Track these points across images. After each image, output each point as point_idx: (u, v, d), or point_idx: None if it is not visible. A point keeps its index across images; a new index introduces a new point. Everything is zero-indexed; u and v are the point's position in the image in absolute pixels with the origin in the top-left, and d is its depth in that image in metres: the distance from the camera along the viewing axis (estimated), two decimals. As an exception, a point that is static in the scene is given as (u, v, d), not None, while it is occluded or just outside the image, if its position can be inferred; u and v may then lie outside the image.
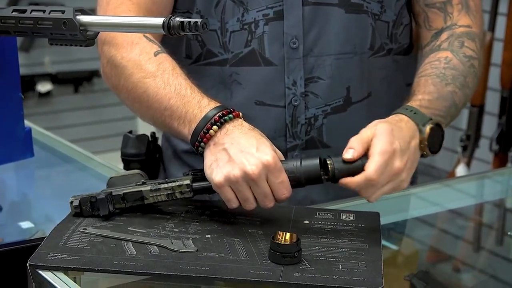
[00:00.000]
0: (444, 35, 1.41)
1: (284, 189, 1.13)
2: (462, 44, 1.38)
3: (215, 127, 1.17)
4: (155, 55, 1.30)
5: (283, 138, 1.40)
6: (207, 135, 1.17)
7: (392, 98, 1.47)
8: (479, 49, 1.40)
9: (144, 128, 1.64)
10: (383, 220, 1.24)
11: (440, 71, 1.33)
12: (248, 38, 1.38)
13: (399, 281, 1.28)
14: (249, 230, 1.16)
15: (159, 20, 1.05)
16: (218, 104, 1.21)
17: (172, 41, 1.43)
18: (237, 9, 1.38)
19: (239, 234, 1.15)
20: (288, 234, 1.07)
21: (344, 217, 1.23)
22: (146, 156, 1.53)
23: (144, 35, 1.33)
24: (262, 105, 1.40)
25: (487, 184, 1.68)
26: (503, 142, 2.86)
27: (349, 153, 1.16)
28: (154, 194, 1.19)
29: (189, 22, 1.03)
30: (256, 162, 1.12)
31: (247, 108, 1.37)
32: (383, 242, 1.18)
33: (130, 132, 1.56)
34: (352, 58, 1.40)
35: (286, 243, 1.06)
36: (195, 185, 1.19)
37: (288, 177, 1.14)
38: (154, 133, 1.55)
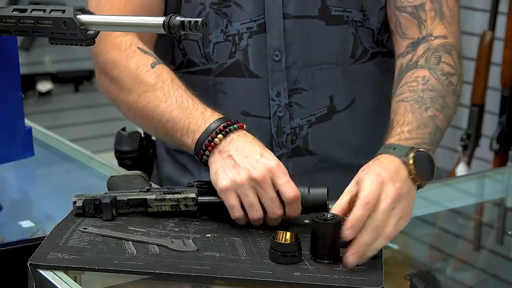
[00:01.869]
0: (420, 49, 1.35)
1: (290, 188, 1.13)
2: (439, 60, 1.33)
3: (220, 135, 1.18)
4: (152, 66, 1.31)
5: (270, 148, 1.39)
6: (212, 143, 1.18)
7: (377, 101, 1.47)
8: (457, 62, 1.34)
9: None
10: (384, 220, 1.24)
11: (418, 94, 1.27)
12: (232, 49, 1.39)
13: (399, 281, 1.28)
14: (250, 230, 1.16)
15: (160, 20, 1.05)
16: (222, 116, 1.22)
17: (162, 43, 1.43)
18: (221, 20, 1.39)
19: (240, 234, 1.15)
20: (288, 234, 1.07)
21: (344, 217, 1.23)
22: (138, 152, 1.55)
23: (138, 47, 1.33)
24: (248, 115, 1.41)
25: (488, 183, 1.68)
26: (503, 141, 2.85)
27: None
28: (159, 204, 1.19)
29: (190, 21, 1.03)
30: (261, 167, 1.14)
31: (233, 118, 1.38)
32: (384, 242, 1.17)
33: (124, 129, 1.57)
34: (334, 68, 1.41)
35: (286, 242, 1.06)
36: (201, 199, 1.19)
37: None
38: None
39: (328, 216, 1.07)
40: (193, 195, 1.19)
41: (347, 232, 1.06)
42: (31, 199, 1.52)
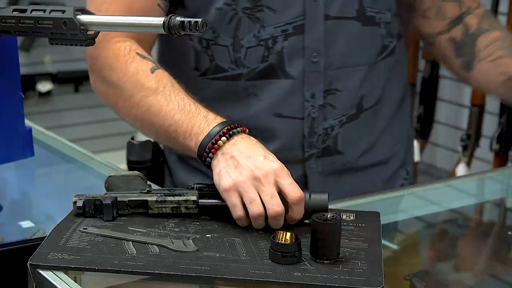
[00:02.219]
0: (471, 19, 1.48)
1: (295, 189, 1.14)
2: (496, 22, 1.51)
3: (223, 138, 1.19)
4: (152, 71, 1.31)
5: (301, 148, 1.42)
6: (215, 146, 1.19)
7: (395, 93, 1.50)
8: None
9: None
10: (384, 220, 1.24)
11: (510, 48, 1.44)
12: (265, 54, 1.39)
13: (399, 281, 1.28)
14: (250, 230, 1.16)
15: (160, 20, 1.05)
16: (225, 120, 1.23)
17: (178, 49, 1.44)
18: (253, 25, 1.38)
19: (240, 234, 1.15)
20: (288, 234, 1.07)
21: (344, 216, 1.23)
22: (152, 162, 1.55)
23: (136, 53, 1.33)
24: (280, 117, 1.42)
25: (488, 183, 1.68)
26: (503, 142, 2.85)
27: None
28: (159, 206, 1.19)
29: (190, 21, 1.03)
30: (264, 167, 1.14)
31: (265, 119, 1.41)
32: (384, 242, 1.17)
33: (133, 138, 1.57)
34: (366, 68, 1.44)
35: (286, 242, 1.06)
36: (201, 202, 1.19)
37: None
38: None
39: (328, 216, 1.07)
40: (194, 198, 1.19)
41: None
42: (31, 199, 1.52)
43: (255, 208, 1.13)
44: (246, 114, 1.40)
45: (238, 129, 1.20)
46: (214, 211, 1.19)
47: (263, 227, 1.16)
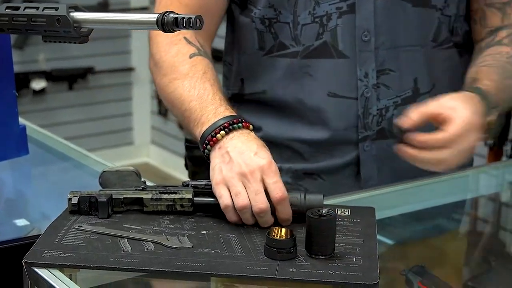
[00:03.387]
0: (503, 33, 1.44)
1: (278, 189, 1.14)
2: None
3: (222, 132, 1.20)
4: (190, 57, 1.36)
5: (355, 129, 1.43)
6: (214, 138, 1.21)
7: (453, 90, 1.49)
8: None
9: (141, 125, 1.65)
10: (379, 215, 1.24)
11: (502, 64, 1.36)
12: (320, 31, 1.41)
13: (394, 276, 1.29)
14: (245, 226, 1.16)
15: (153, 16, 1.05)
16: (234, 114, 1.24)
17: (242, 34, 1.48)
18: (309, 2, 1.41)
19: (235, 230, 1.15)
20: (283, 230, 1.07)
21: (339, 212, 1.23)
22: None
23: (184, 37, 1.39)
24: (335, 96, 1.43)
25: (483, 178, 1.68)
26: (498, 137, 2.86)
27: (401, 120, 1.19)
28: (155, 203, 1.19)
29: (183, 18, 1.03)
30: (251, 163, 1.15)
31: (319, 99, 1.43)
32: (379, 237, 1.18)
33: None
34: (419, 51, 1.44)
35: (281, 238, 1.06)
36: (197, 199, 1.19)
37: (291, 209, 1.16)
38: None
39: (324, 212, 1.07)
40: (189, 196, 1.19)
41: (419, 138, 1.17)
42: (26, 197, 1.52)
43: (240, 200, 1.14)
44: (301, 94, 1.43)
45: (240, 124, 1.22)
46: (209, 209, 1.19)
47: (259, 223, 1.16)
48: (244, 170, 1.14)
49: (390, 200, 1.46)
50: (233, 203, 1.15)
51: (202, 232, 1.14)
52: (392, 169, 1.45)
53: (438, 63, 1.48)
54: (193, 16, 1.03)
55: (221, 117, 1.23)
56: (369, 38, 1.41)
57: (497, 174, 1.75)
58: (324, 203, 1.18)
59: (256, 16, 1.45)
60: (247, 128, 1.22)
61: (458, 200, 1.60)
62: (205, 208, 1.20)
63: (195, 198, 1.19)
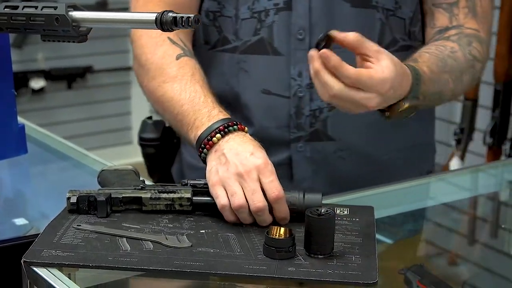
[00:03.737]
0: (452, 31, 1.41)
1: (274, 188, 1.14)
2: (470, 43, 1.39)
3: (218, 135, 1.21)
4: (177, 58, 1.35)
5: (287, 129, 1.42)
6: (210, 142, 1.21)
7: None
8: (484, 54, 1.40)
9: (139, 124, 1.65)
10: (378, 214, 1.24)
11: (444, 56, 1.33)
12: (257, 26, 1.41)
13: (393, 275, 1.29)
14: (244, 225, 1.16)
15: (152, 16, 1.05)
16: (227, 116, 1.24)
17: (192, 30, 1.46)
18: None
19: (234, 229, 1.15)
20: (282, 229, 1.07)
21: (338, 211, 1.23)
22: (161, 141, 1.58)
23: (168, 37, 1.38)
24: (268, 94, 1.42)
25: (481, 177, 1.68)
26: (496, 135, 2.86)
27: (335, 32, 1.15)
28: (153, 203, 1.19)
29: (182, 17, 1.03)
30: (247, 163, 1.15)
31: (253, 96, 1.41)
32: (378, 236, 1.18)
33: (150, 118, 1.62)
34: None
35: (280, 237, 1.06)
36: (195, 199, 1.20)
37: (290, 208, 1.16)
38: None
39: (322, 211, 1.07)
40: (188, 195, 1.19)
41: (334, 60, 1.12)
42: (25, 196, 1.52)
43: (236, 200, 1.14)
44: (237, 91, 1.42)
45: (235, 126, 1.22)
46: (208, 208, 1.19)
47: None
48: (241, 170, 1.15)
49: (389, 199, 1.46)
50: (230, 203, 1.15)
51: (201, 231, 1.14)
52: (329, 173, 1.44)
53: None
54: (191, 15, 1.04)
55: (216, 120, 1.23)
56: (304, 36, 1.39)
57: (496, 173, 1.75)
58: (323, 202, 1.18)
59: (202, 9, 1.45)
60: (242, 130, 1.22)
61: (457, 199, 1.61)
62: (204, 207, 1.20)
63: (194, 197, 1.19)
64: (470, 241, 1.57)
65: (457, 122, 3.02)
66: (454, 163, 2.92)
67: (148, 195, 1.19)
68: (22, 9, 1.13)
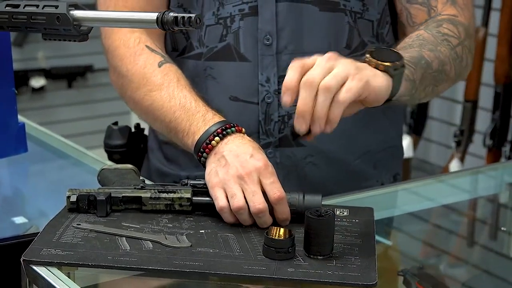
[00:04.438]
0: (425, 23, 1.38)
1: (275, 189, 1.14)
2: (439, 25, 1.35)
3: (217, 138, 1.20)
4: (159, 66, 1.34)
5: (256, 135, 1.40)
6: (209, 145, 1.20)
7: None
8: (461, 33, 1.35)
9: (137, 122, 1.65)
10: (377, 216, 1.24)
11: (410, 43, 1.29)
12: (223, 32, 1.39)
13: (392, 277, 1.29)
14: (243, 226, 1.16)
15: (153, 15, 1.05)
16: (223, 119, 1.24)
17: (160, 34, 1.44)
18: (213, 3, 1.38)
19: (233, 230, 1.15)
20: (282, 230, 1.07)
21: (338, 212, 1.23)
22: (127, 147, 1.56)
23: (146, 45, 1.36)
24: (236, 100, 1.41)
25: (481, 179, 1.68)
26: (496, 137, 2.86)
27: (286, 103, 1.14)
28: (153, 202, 1.19)
29: (183, 17, 1.03)
30: (248, 166, 1.15)
31: (221, 103, 1.39)
32: (377, 238, 1.18)
33: (115, 123, 1.59)
34: None
35: (280, 238, 1.06)
36: (195, 199, 1.20)
37: (290, 210, 1.16)
38: (138, 124, 1.57)
39: (322, 211, 1.07)
40: (188, 195, 1.19)
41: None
42: (24, 195, 1.52)
43: (235, 202, 1.14)
44: (205, 98, 1.37)
45: (233, 128, 1.21)
46: (208, 208, 1.19)
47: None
48: (241, 172, 1.14)
49: (388, 201, 1.46)
50: (229, 205, 1.15)
51: (200, 231, 1.14)
52: (300, 178, 1.42)
53: None
54: (192, 15, 1.04)
55: (212, 123, 1.22)
56: (271, 42, 1.38)
57: (496, 175, 1.75)
58: (323, 203, 1.18)
59: None
60: (240, 131, 1.22)
61: (457, 201, 1.61)
62: (203, 208, 1.20)
63: (193, 198, 1.19)
64: (470, 243, 1.58)
65: (457, 124, 3.03)
66: (454, 165, 2.92)
67: (148, 195, 1.19)
68: (23, 7, 1.13)
